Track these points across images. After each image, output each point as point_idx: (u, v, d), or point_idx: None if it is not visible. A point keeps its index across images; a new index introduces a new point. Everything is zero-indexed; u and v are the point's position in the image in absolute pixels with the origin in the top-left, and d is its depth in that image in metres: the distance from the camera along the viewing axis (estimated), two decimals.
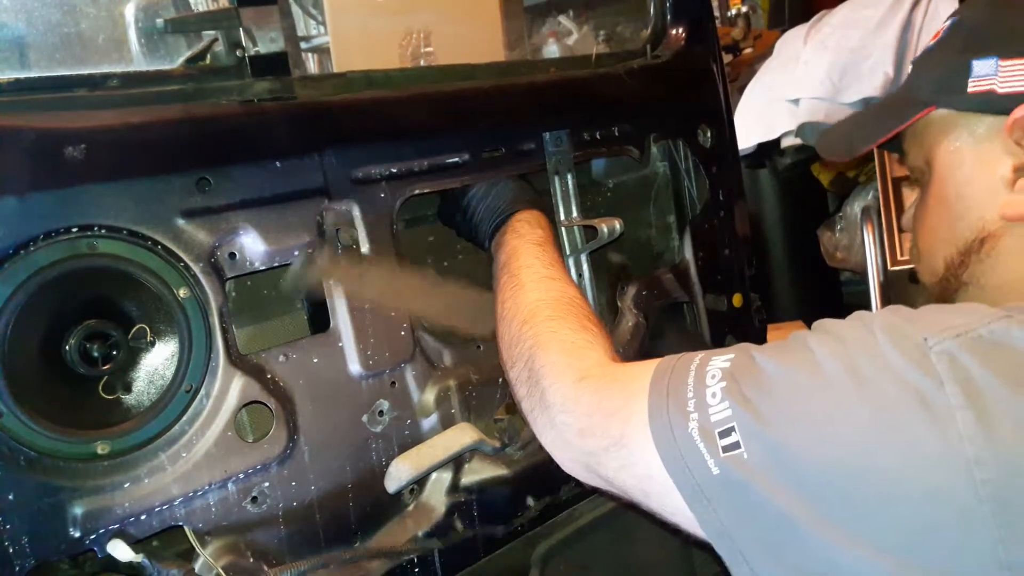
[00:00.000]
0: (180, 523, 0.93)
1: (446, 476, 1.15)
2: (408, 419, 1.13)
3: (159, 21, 1.21)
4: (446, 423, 1.15)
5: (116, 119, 0.91)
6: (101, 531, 0.88)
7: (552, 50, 2.90)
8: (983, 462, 0.59)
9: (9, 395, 0.83)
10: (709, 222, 1.48)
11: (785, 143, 2.75)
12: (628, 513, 1.09)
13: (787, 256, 3.10)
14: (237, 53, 1.02)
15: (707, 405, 0.71)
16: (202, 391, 0.96)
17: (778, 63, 2.72)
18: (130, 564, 0.88)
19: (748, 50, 3.35)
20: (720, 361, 0.74)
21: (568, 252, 1.29)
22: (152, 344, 0.94)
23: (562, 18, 3.13)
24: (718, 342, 1.48)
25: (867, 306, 2.62)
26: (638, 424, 0.75)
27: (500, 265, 1.11)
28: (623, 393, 0.81)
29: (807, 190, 3.03)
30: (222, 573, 0.92)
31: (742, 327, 1.52)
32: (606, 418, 0.81)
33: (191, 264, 0.95)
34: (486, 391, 1.18)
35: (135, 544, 0.89)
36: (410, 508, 1.14)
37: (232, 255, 0.98)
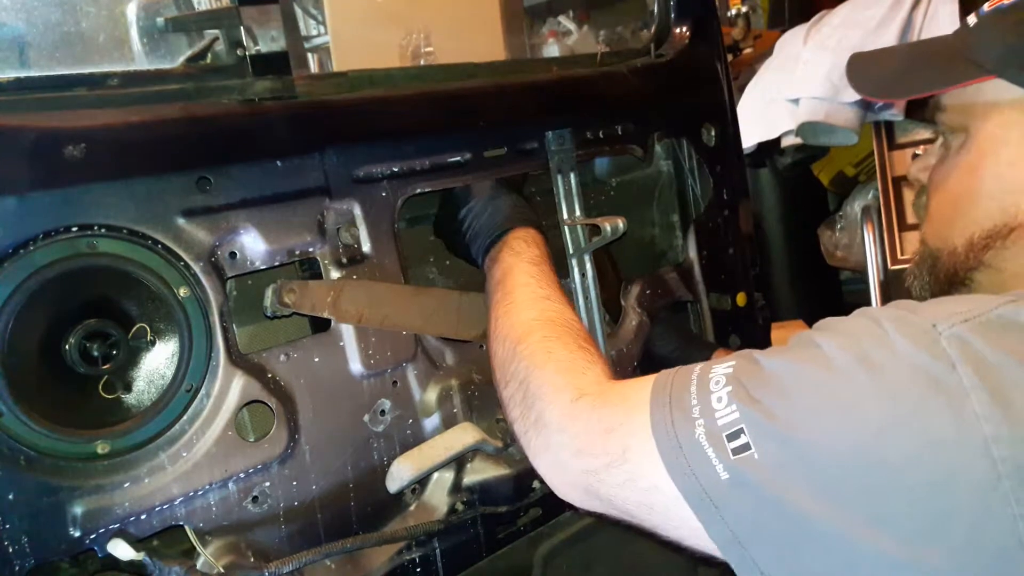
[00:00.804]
0: (181, 523, 0.93)
1: (448, 476, 1.15)
2: (410, 419, 1.13)
3: (160, 20, 1.21)
4: (448, 423, 1.15)
5: (116, 118, 0.91)
6: (101, 530, 0.87)
7: (552, 50, 2.90)
8: (1000, 439, 0.59)
9: (9, 395, 0.83)
10: (713, 221, 1.48)
11: (785, 143, 2.75)
12: None
13: (787, 256, 3.10)
14: (238, 52, 1.01)
15: (713, 410, 0.70)
16: (202, 390, 0.95)
17: (778, 63, 2.72)
18: (131, 563, 0.87)
19: (748, 50, 3.34)
20: (723, 368, 0.73)
21: (571, 251, 1.29)
22: (152, 343, 0.94)
23: (562, 18, 3.13)
24: (722, 341, 1.48)
25: (867, 305, 2.61)
26: (641, 437, 0.74)
27: (494, 282, 1.09)
28: (623, 408, 0.79)
29: (807, 190, 3.03)
30: (223, 571, 0.91)
31: (746, 326, 1.51)
32: (606, 434, 0.78)
33: (191, 263, 0.94)
34: (488, 391, 1.17)
35: (136, 543, 0.88)
36: (412, 508, 1.14)
37: (233, 254, 0.98)
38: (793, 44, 2.69)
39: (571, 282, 1.28)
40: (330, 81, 1.13)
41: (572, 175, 1.28)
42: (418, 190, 1.13)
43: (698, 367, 0.76)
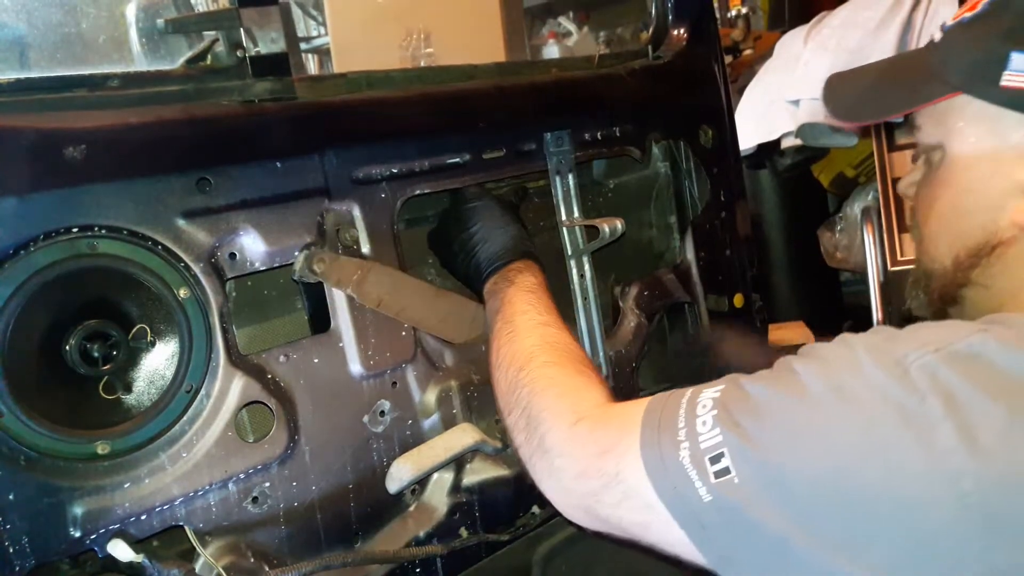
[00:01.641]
0: (181, 523, 0.93)
1: (447, 477, 1.15)
2: (409, 419, 1.13)
3: (160, 21, 1.21)
4: (447, 423, 1.15)
5: (116, 119, 0.91)
6: (101, 531, 0.87)
7: (552, 51, 2.90)
8: (967, 474, 0.60)
9: (9, 395, 0.83)
10: (710, 222, 1.48)
11: (785, 144, 2.74)
12: None
13: (787, 256, 3.09)
14: (238, 53, 1.02)
15: (697, 433, 0.71)
16: (202, 391, 0.95)
17: (778, 64, 2.72)
18: (130, 564, 0.88)
19: (748, 51, 3.34)
20: (711, 392, 0.74)
21: (570, 253, 1.29)
22: (152, 344, 0.94)
23: (562, 19, 3.13)
24: (722, 342, 1.48)
25: (867, 306, 2.62)
26: (632, 457, 0.75)
27: (494, 311, 1.10)
28: (617, 430, 0.80)
29: (807, 190, 3.03)
30: (223, 573, 0.92)
31: (744, 327, 1.52)
32: (602, 455, 0.80)
33: (191, 264, 0.94)
34: (488, 392, 1.17)
35: (135, 544, 0.88)
36: (411, 509, 1.14)
37: (232, 255, 0.98)
38: (793, 45, 2.69)
39: (570, 283, 1.29)
40: (330, 82, 1.13)
41: (570, 176, 1.28)
42: (417, 191, 1.13)
43: (690, 391, 0.77)
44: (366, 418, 1.09)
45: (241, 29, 1.00)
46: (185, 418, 0.94)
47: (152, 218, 0.92)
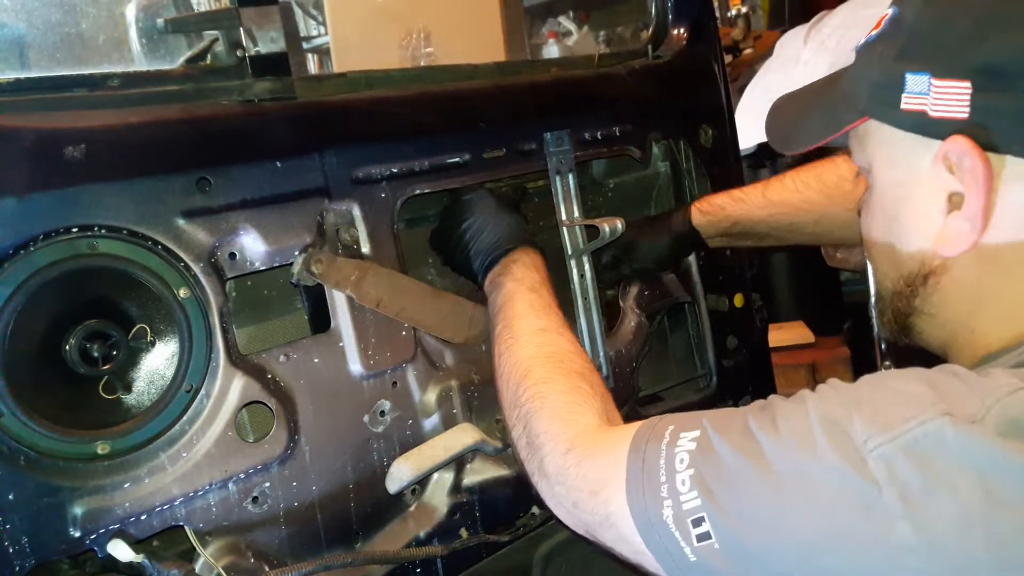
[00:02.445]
0: (181, 523, 0.93)
1: (448, 477, 1.15)
2: (409, 419, 1.13)
3: (160, 21, 1.21)
4: (448, 423, 1.15)
5: (116, 119, 0.91)
6: (101, 531, 0.87)
7: (552, 51, 2.90)
8: (923, 572, 0.60)
9: (9, 395, 0.83)
10: None
11: None
12: None
13: (787, 256, 3.10)
14: (237, 53, 1.02)
15: (678, 492, 0.71)
16: (202, 391, 0.95)
17: (778, 64, 2.72)
18: (130, 564, 0.88)
19: (748, 51, 3.34)
20: (687, 442, 0.73)
21: (570, 252, 1.29)
22: (152, 344, 0.94)
23: (562, 19, 3.13)
24: (720, 342, 1.48)
25: (867, 306, 2.61)
26: (620, 504, 0.76)
27: (495, 309, 1.10)
28: (604, 468, 0.80)
29: None
30: (223, 573, 0.92)
31: (744, 327, 1.52)
32: (592, 495, 0.80)
33: (191, 264, 0.94)
34: (488, 391, 1.17)
35: (135, 544, 0.88)
36: (411, 509, 1.14)
37: (232, 255, 0.98)
38: (793, 45, 2.69)
39: (570, 283, 1.29)
40: (329, 82, 1.13)
41: (570, 176, 1.28)
42: (417, 191, 1.13)
43: (668, 433, 0.75)
44: (366, 418, 1.09)
45: (241, 29, 1.00)
46: (185, 418, 0.94)
47: (152, 218, 0.92)
